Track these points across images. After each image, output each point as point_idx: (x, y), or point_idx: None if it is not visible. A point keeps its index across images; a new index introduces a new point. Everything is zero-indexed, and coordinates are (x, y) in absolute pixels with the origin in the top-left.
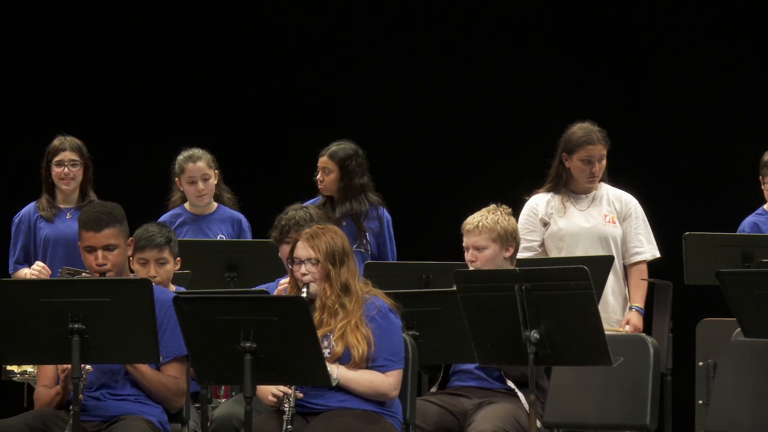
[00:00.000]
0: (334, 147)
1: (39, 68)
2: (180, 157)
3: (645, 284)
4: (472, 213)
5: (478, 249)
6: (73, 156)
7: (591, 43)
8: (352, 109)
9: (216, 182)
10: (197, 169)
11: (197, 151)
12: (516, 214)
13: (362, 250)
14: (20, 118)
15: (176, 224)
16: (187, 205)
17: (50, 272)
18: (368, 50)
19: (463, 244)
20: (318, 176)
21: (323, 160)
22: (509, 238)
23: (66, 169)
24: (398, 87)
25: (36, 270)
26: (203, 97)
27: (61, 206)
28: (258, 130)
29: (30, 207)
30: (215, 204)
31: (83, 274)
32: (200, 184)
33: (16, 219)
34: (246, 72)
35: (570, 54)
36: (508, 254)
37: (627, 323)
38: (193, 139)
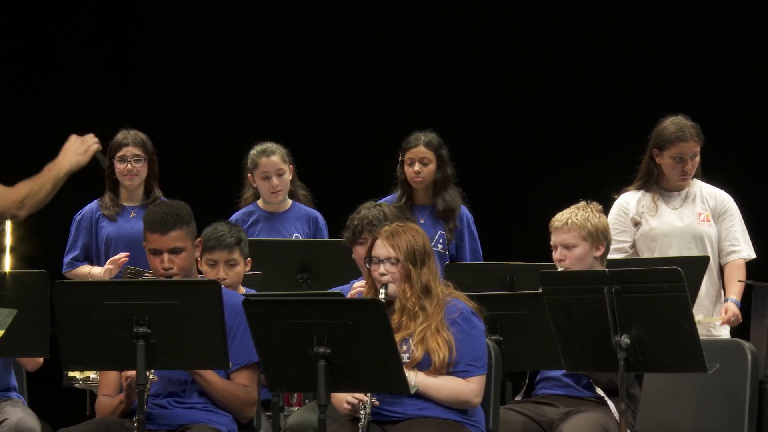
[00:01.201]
0: (424, 136)
1: (103, 61)
2: (253, 152)
3: (742, 281)
4: (558, 211)
5: (566, 247)
6: (137, 151)
7: (685, 33)
8: (429, 101)
9: (291, 178)
10: (271, 164)
11: (271, 145)
12: (605, 213)
13: (444, 250)
14: (84, 111)
15: (249, 222)
16: (260, 202)
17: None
18: (446, 41)
19: (551, 243)
20: (415, 168)
21: (419, 151)
22: (600, 237)
23: (129, 165)
24: (479, 78)
25: (110, 265)
26: (276, 89)
27: (125, 204)
28: (334, 122)
29: (93, 205)
30: (290, 201)
31: (147, 274)
32: (274, 180)
33: (78, 216)
34: (318, 63)
35: (664, 44)
36: (598, 253)
37: (725, 312)
38: (265, 133)
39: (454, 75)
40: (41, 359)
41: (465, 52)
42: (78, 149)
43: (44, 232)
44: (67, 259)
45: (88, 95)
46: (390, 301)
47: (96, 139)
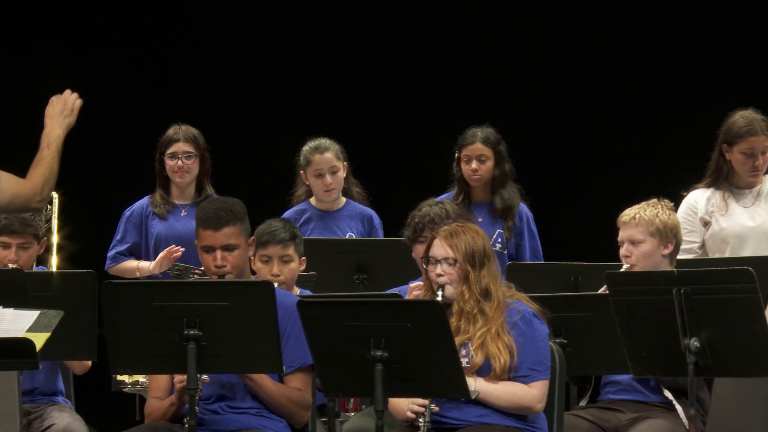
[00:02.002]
0: (480, 132)
1: (153, 56)
2: (306, 148)
3: None
4: (624, 209)
5: (633, 243)
6: (188, 147)
7: (751, 23)
8: (486, 95)
9: (345, 175)
10: (325, 161)
11: (325, 142)
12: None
13: (502, 249)
14: (133, 107)
15: (301, 221)
16: (312, 200)
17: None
18: (502, 33)
19: (618, 238)
20: (472, 165)
21: (476, 147)
22: (668, 234)
23: (180, 162)
24: (540, 71)
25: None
26: (330, 84)
27: (176, 202)
28: (389, 117)
29: (143, 201)
30: (344, 199)
31: (196, 271)
32: (328, 178)
33: (127, 212)
34: (372, 57)
35: (731, 36)
36: (666, 251)
37: None
38: (319, 129)
39: (513, 68)
40: (89, 362)
41: (522, 45)
42: (64, 111)
43: (92, 230)
44: (111, 254)
45: (138, 90)
46: (447, 303)
47: (75, 94)
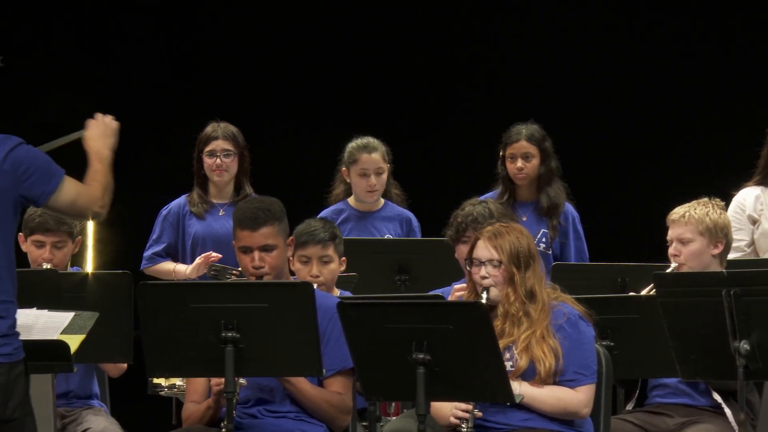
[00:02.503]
0: (525, 129)
1: (191, 52)
2: (353, 145)
3: None
4: (672, 209)
5: (682, 242)
6: (227, 145)
7: None
8: (528, 90)
9: (387, 177)
10: (372, 162)
11: (373, 141)
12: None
13: (546, 249)
14: (172, 105)
15: (338, 221)
16: (351, 200)
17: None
18: (545, 25)
19: (667, 237)
20: (517, 164)
21: (521, 145)
22: (719, 233)
23: (218, 160)
24: (585, 64)
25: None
26: (368, 80)
27: (214, 201)
28: (430, 115)
29: (180, 200)
30: (382, 200)
31: (234, 272)
32: (372, 179)
33: (164, 211)
34: (411, 51)
35: None
36: (716, 251)
37: None
38: (356, 127)
39: (557, 60)
40: (124, 365)
41: (567, 37)
42: (105, 132)
43: (127, 231)
44: (147, 254)
45: (177, 87)
46: (492, 306)
47: (110, 117)
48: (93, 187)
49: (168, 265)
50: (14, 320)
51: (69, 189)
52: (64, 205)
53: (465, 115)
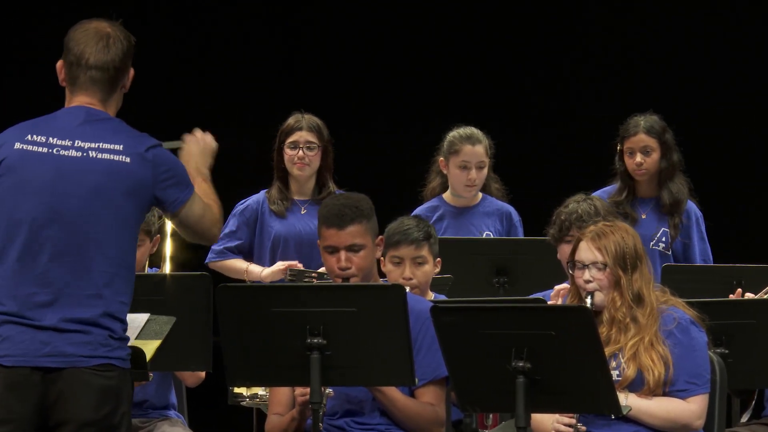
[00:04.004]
0: (644, 121)
1: (276, 43)
2: (455, 134)
3: None
4: None
5: None
6: (311, 137)
7: None
8: (645, 78)
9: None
10: (475, 155)
11: (477, 133)
12: None
13: (666, 249)
14: (253, 96)
15: (434, 219)
16: (446, 195)
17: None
18: (661, 12)
19: None
20: (636, 159)
21: (640, 139)
22: None
23: (301, 152)
24: (705, 49)
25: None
26: (463, 70)
27: (295, 198)
28: (537, 105)
29: (259, 196)
30: (480, 195)
31: (313, 274)
32: (473, 172)
33: (241, 206)
34: (514, 38)
35: None
36: None
37: None
38: (452, 120)
39: (677, 46)
40: (203, 374)
41: (688, 19)
42: (205, 150)
43: None
44: (219, 247)
45: (261, 79)
46: (596, 311)
47: (210, 136)
48: (213, 207)
49: (240, 263)
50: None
51: (199, 203)
52: (193, 219)
53: (577, 104)
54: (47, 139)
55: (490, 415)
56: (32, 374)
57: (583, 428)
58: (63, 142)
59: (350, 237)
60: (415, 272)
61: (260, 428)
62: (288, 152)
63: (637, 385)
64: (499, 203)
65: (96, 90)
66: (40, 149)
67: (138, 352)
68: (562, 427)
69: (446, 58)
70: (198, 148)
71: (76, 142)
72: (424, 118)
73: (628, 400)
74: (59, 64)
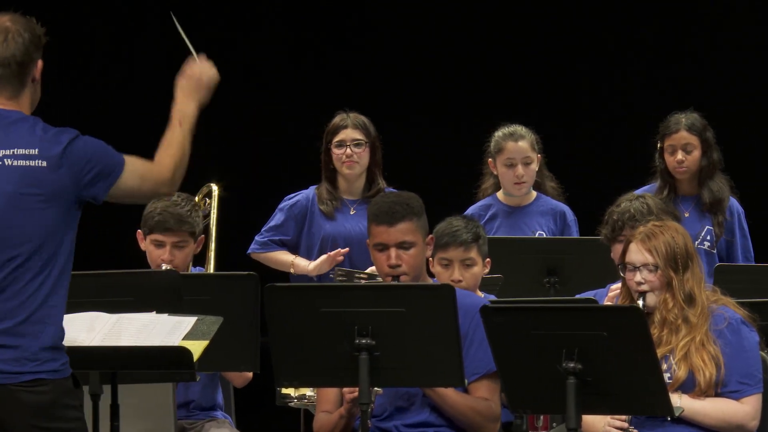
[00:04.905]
0: (685, 118)
1: (319, 37)
2: (498, 134)
3: None
4: None
5: None
6: (357, 135)
7: None
8: (690, 76)
9: (537, 168)
10: (518, 151)
11: (520, 129)
12: None
13: (711, 248)
14: (303, 95)
15: (486, 218)
16: (500, 194)
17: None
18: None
19: None
20: (677, 156)
21: (681, 136)
22: None
23: (348, 151)
24: (746, 43)
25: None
26: (518, 65)
27: (344, 197)
28: (585, 104)
29: (309, 193)
30: (534, 193)
31: (362, 275)
32: (519, 169)
33: (290, 201)
34: (566, 36)
35: None
36: None
37: None
38: (507, 116)
39: (717, 44)
40: (250, 374)
41: (727, 18)
42: (201, 80)
43: (254, 230)
44: (263, 239)
45: (307, 77)
46: (648, 312)
47: (213, 68)
48: (162, 164)
49: (285, 256)
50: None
51: (130, 177)
52: (128, 191)
53: (625, 102)
54: None
55: (541, 417)
56: None
57: (635, 430)
58: None
59: (400, 234)
60: (464, 274)
61: (308, 429)
62: (335, 152)
63: (688, 387)
64: (553, 202)
65: (2, 88)
66: None
67: (185, 353)
68: (614, 430)
69: (502, 56)
70: (192, 83)
71: None
72: (478, 118)
73: (681, 401)
74: None
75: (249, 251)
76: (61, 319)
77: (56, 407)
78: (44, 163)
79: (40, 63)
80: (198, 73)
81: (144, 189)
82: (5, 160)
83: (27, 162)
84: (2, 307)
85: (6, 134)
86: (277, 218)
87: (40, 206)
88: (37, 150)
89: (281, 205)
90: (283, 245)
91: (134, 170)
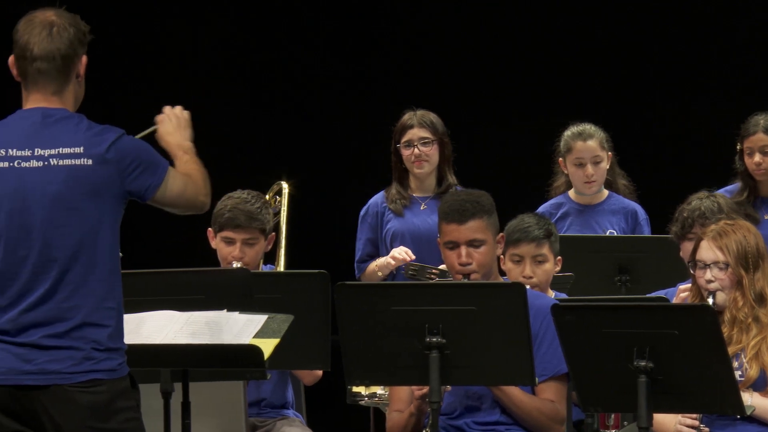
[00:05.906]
0: (764, 120)
1: (384, 38)
2: (567, 134)
3: None
4: None
5: None
6: (424, 133)
7: None
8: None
9: (608, 167)
10: (588, 150)
11: (589, 128)
12: None
13: None
14: (369, 94)
15: (557, 216)
16: (571, 192)
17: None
18: None
19: None
20: (755, 159)
21: (759, 138)
22: None
23: (417, 150)
24: None
25: (397, 255)
26: (591, 65)
27: (415, 195)
28: (657, 102)
29: (378, 197)
30: (606, 192)
31: (434, 271)
32: (589, 168)
33: (362, 212)
34: (639, 34)
35: None
36: None
37: None
38: (579, 114)
39: None
40: (320, 372)
41: None
42: (180, 123)
43: (325, 228)
44: (359, 259)
45: (372, 76)
46: (718, 311)
47: (179, 107)
48: (194, 177)
49: (371, 267)
50: (120, 330)
51: (176, 179)
52: (173, 196)
53: (701, 101)
54: (7, 152)
55: (612, 415)
56: (13, 392)
57: (706, 429)
58: (23, 153)
59: (471, 232)
60: (536, 270)
61: (378, 428)
62: (404, 152)
63: (759, 385)
64: (625, 201)
65: (46, 83)
66: (1, 164)
67: (256, 351)
68: (685, 429)
69: (576, 54)
70: (172, 125)
71: (36, 150)
72: (550, 114)
73: (752, 399)
74: (11, 59)
75: (357, 275)
76: (118, 320)
77: (112, 407)
78: (90, 161)
79: (84, 59)
80: (173, 116)
81: (187, 194)
82: (51, 159)
83: (73, 161)
84: (56, 309)
85: (51, 133)
86: (359, 234)
87: (85, 205)
88: (82, 148)
89: (359, 221)
90: (369, 256)
91: (177, 174)
